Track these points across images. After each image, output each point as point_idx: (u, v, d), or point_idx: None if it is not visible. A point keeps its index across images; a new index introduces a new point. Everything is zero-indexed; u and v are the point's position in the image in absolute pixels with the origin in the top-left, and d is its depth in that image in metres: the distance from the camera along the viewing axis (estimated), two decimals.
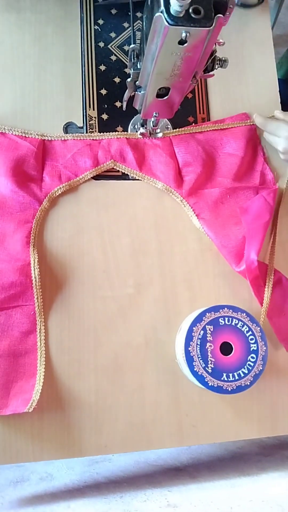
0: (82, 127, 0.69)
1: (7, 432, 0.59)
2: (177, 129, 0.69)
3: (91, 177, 0.67)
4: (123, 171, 0.67)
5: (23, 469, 0.75)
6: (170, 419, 0.63)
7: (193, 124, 0.71)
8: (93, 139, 0.67)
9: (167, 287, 0.66)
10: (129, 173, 0.67)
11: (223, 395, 0.59)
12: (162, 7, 0.43)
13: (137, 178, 0.67)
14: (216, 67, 0.57)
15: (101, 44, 0.72)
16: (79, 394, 0.61)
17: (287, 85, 0.98)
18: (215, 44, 0.51)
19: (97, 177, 0.67)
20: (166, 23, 0.43)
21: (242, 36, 0.77)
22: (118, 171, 0.68)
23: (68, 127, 0.68)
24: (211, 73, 0.57)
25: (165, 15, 0.43)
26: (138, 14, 0.72)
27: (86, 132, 0.68)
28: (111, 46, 0.72)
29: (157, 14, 0.44)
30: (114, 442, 0.61)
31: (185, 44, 0.46)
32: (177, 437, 0.62)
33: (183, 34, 0.44)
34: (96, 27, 0.73)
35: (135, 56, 0.54)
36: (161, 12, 0.44)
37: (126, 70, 0.71)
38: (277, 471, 0.66)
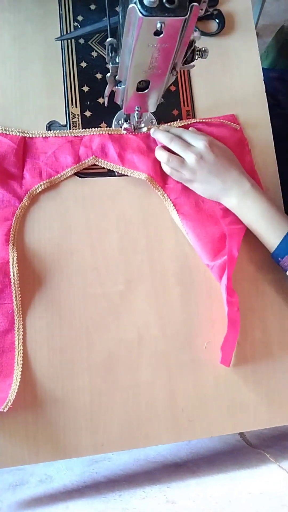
0: (65, 125, 0.68)
1: (1, 436, 0.58)
2: (162, 125, 0.69)
3: (77, 175, 0.67)
4: (105, 167, 0.67)
5: (22, 472, 0.75)
6: (166, 414, 0.62)
7: (178, 120, 0.70)
8: (74, 136, 0.67)
9: (158, 282, 0.65)
10: (111, 168, 0.67)
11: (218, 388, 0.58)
12: None
13: (120, 172, 0.67)
14: (196, 58, 0.56)
15: (81, 41, 0.71)
16: (73, 394, 0.61)
17: (273, 74, 0.97)
18: (193, 34, 0.51)
19: (83, 175, 0.67)
20: (140, 14, 0.43)
21: (225, 26, 0.76)
22: (104, 168, 0.67)
23: (51, 126, 0.68)
24: (191, 64, 0.56)
25: (139, 6, 0.43)
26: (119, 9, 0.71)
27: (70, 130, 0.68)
28: (91, 42, 0.71)
29: (130, 6, 0.43)
30: (111, 441, 0.60)
31: (161, 35, 0.45)
32: (174, 433, 0.62)
33: (158, 25, 0.44)
34: (76, 23, 0.72)
35: (112, 50, 0.53)
36: (135, 3, 0.43)
37: (108, 66, 0.70)
38: (277, 463, 0.65)
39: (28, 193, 0.64)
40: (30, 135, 0.66)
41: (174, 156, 0.64)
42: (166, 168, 0.66)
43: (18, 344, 0.60)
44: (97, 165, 0.67)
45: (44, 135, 0.66)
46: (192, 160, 0.63)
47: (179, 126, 0.69)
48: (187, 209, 0.66)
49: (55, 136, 0.66)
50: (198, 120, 0.70)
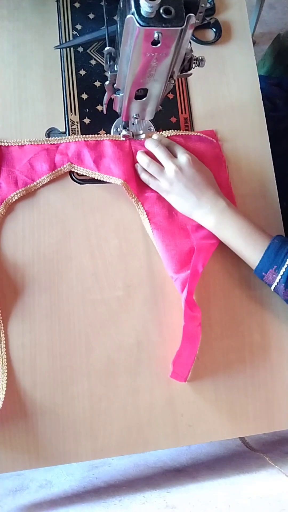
0: (64, 132, 0.69)
1: (2, 441, 0.59)
2: (155, 133, 0.69)
3: (76, 181, 0.67)
4: (81, 173, 0.67)
5: (22, 477, 0.75)
6: (165, 420, 0.62)
7: (163, 131, 0.71)
8: (51, 144, 0.67)
9: (157, 287, 0.66)
10: (87, 174, 0.66)
11: (217, 393, 0.58)
12: (133, 9, 0.44)
13: (96, 178, 0.66)
14: (193, 66, 0.57)
15: (80, 49, 0.72)
16: (72, 399, 0.61)
17: (270, 81, 0.98)
18: (190, 43, 0.52)
19: (82, 181, 0.67)
20: (138, 25, 0.44)
21: (221, 35, 0.77)
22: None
23: (50, 133, 0.68)
24: (188, 72, 0.57)
25: (136, 17, 0.44)
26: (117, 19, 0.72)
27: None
28: (90, 51, 0.72)
29: (128, 16, 0.44)
30: (110, 446, 0.61)
31: (158, 45, 0.46)
32: (173, 438, 0.62)
33: (155, 35, 0.45)
34: (75, 32, 0.73)
35: (111, 58, 0.54)
36: (132, 13, 0.44)
37: (106, 74, 0.71)
38: (276, 467, 0.65)
39: (4, 202, 0.64)
40: (6, 144, 0.66)
41: (154, 162, 0.65)
42: (144, 176, 0.66)
43: (1, 354, 0.60)
44: (73, 171, 0.67)
45: (20, 144, 0.66)
46: (171, 170, 0.63)
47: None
48: (159, 219, 0.66)
49: (31, 144, 0.66)
50: (178, 133, 0.70)
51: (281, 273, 0.58)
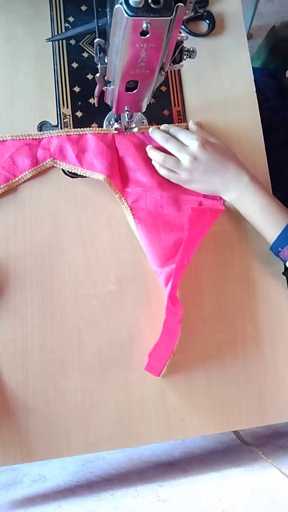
0: (56, 126, 0.68)
1: None
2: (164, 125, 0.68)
3: (68, 175, 0.67)
4: (63, 168, 0.66)
5: (16, 472, 0.75)
6: (157, 413, 0.62)
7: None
8: (33, 139, 0.66)
9: (149, 281, 0.66)
10: (70, 170, 0.66)
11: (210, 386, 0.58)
12: None
13: (78, 174, 0.66)
14: (185, 58, 0.57)
15: (72, 42, 0.72)
16: (64, 394, 0.61)
17: (265, 73, 0.98)
18: (180, 33, 0.51)
19: (74, 175, 0.67)
20: (126, 15, 0.43)
21: (215, 27, 0.76)
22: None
23: (42, 126, 0.68)
24: (179, 64, 0.57)
25: (124, 7, 0.43)
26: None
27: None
28: (82, 43, 0.72)
29: (116, 6, 0.44)
30: (102, 440, 0.61)
31: (147, 35, 0.45)
32: (166, 432, 0.62)
33: (144, 25, 0.44)
34: (67, 24, 0.72)
35: (101, 50, 0.53)
36: (120, 3, 0.43)
37: (98, 66, 0.71)
38: (269, 461, 0.65)
39: None
40: None
41: (170, 156, 0.65)
42: (163, 172, 0.66)
43: None
44: (56, 167, 0.66)
45: (1, 139, 0.66)
46: (186, 161, 0.63)
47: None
48: (143, 214, 0.66)
49: (13, 139, 0.66)
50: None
51: None
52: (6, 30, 0.71)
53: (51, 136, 0.67)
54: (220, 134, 0.72)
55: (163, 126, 0.68)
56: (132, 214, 0.65)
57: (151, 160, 0.67)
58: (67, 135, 0.67)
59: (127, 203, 0.66)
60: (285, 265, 0.64)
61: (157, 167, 0.67)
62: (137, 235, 0.65)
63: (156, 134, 0.66)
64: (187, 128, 0.69)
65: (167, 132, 0.67)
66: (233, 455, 0.72)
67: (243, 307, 0.67)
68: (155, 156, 0.66)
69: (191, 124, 0.69)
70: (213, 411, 0.63)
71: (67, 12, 0.73)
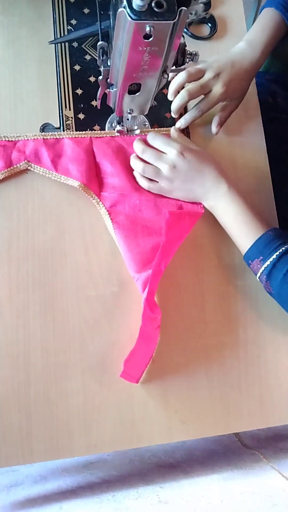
0: (59, 128, 0.69)
1: None
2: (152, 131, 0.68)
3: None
4: (38, 172, 0.65)
5: (17, 473, 0.75)
6: (159, 416, 0.62)
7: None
8: (8, 140, 0.66)
9: None
10: (44, 174, 0.65)
11: (211, 389, 0.58)
12: (125, 2, 0.43)
13: (52, 178, 0.65)
14: (187, 61, 0.57)
15: (75, 44, 0.72)
16: (66, 395, 0.61)
17: (267, 77, 0.98)
18: (183, 37, 0.51)
19: None
20: (129, 18, 0.43)
21: (217, 30, 0.77)
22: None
23: (45, 128, 0.68)
24: (182, 67, 0.57)
25: (128, 10, 0.43)
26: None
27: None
28: (84, 46, 0.72)
29: (120, 10, 0.44)
30: (104, 441, 0.61)
31: (151, 39, 0.46)
32: (167, 433, 0.62)
33: (147, 29, 0.44)
34: (69, 27, 0.72)
35: (104, 53, 0.54)
36: (124, 7, 0.44)
37: (100, 68, 0.71)
38: (270, 463, 0.66)
39: None
40: None
41: (149, 165, 0.64)
42: (144, 183, 0.65)
43: None
44: (31, 169, 0.66)
45: None
46: (165, 170, 0.63)
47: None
48: (122, 218, 0.65)
49: None
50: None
51: (265, 265, 0.59)
52: (9, 33, 0.71)
53: (28, 139, 0.66)
54: (222, 138, 0.72)
55: (151, 134, 0.66)
56: (111, 219, 0.65)
57: (129, 164, 0.66)
58: (43, 138, 0.66)
59: (105, 208, 0.65)
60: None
61: (138, 177, 0.66)
62: (115, 240, 0.65)
63: (135, 145, 0.66)
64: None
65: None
66: (234, 457, 0.72)
67: (245, 310, 0.67)
68: (135, 166, 0.65)
69: (172, 131, 0.68)
70: (214, 413, 0.64)
71: (70, 15, 0.73)
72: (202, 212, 0.65)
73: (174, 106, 0.65)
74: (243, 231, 0.62)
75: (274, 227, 0.62)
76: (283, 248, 0.58)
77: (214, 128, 0.70)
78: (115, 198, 0.66)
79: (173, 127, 0.68)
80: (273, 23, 0.70)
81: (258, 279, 0.61)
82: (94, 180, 0.66)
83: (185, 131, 0.71)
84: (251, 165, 0.72)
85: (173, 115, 0.67)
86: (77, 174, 0.64)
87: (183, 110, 0.68)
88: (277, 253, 0.58)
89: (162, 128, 0.70)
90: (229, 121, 0.72)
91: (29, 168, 0.65)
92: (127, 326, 0.64)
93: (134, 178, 0.66)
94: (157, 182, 0.65)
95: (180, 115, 0.68)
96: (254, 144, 0.73)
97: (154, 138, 0.65)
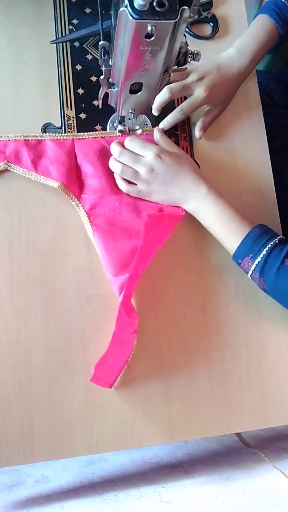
0: (60, 127, 0.69)
1: None
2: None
3: None
4: (18, 173, 0.65)
5: (19, 473, 0.75)
6: (160, 415, 0.62)
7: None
8: None
9: (153, 283, 0.66)
10: (24, 175, 0.65)
11: (213, 388, 0.58)
12: (126, 2, 0.44)
13: (32, 179, 0.65)
14: (189, 61, 0.57)
15: (76, 44, 0.72)
16: (68, 395, 0.61)
17: (269, 76, 0.98)
18: (185, 37, 0.51)
19: None
20: (131, 18, 0.44)
21: (219, 30, 0.76)
22: None
23: (46, 128, 0.68)
24: (184, 66, 0.57)
25: (129, 10, 0.43)
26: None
27: (65, 132, 0.68)
28: (86, 45, 0.72)
29: (121, 9, 0.44)
30: (105, 441, 0.61)
31: (152, 38, 0.46)
32: (168, 433, 0.62)
33: (149, 28, 0.44)
34: (71, 27, 0.72)
35: (105, 53, 0.54)
36: (125, 6, 0.44)
37: (102, 68, 0.71)
38: (272, 463, 0.65)
39: None
40: None
41: (128, 167, 0.64)
42: (123, 186, 0.65)
43: None
44: (10, 170, 0.65)
45: None
46: (143, 172, 0.62)
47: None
48: (101, 221, 0.64)
49: None
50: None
51: (256, 262, 0.58)
52: (10, 33, 0.71)
53: (9, 140, 0.65)
54: (223, 137, 0.72)
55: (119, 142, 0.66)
56: (90, 221, 0.64)
57: (107, 167, 0.66)
58: (25, 139, 0.65)
59: (84, 210, 0.65)
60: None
61: (117, 180, 0.65)
62: (94, 243, 0.64)
63: (111, 147, 0.65)
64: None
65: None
66: (236, 457, 0.72)
67: (246, 309, 0.67)
68: (114, 168, 0.65)
69: (155, 132, 0.67)
70: (216, 413, 0.63)
71: (71, 15, 0.73)
72: (183, 214, 0.65)
73: (155, 104, 0.64)
74: (228, 231, 0.61)
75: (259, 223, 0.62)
76: (272, 243, 0.57)
77: (197, 133, 0.70)
78: (95, 200, 0.65)
79: (156, 127, 0.67)
80: (265, 31, 0.69)
81: (250, 278, 0.61)
82: (75, 181, 0.65)
83: (189, 141, 0.71)
84: (254, 177, 0.72)
85: (153, 113, 0.65)
86: (57, 175, 0.64)
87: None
88: (267, 248, 0.57)
89: (146, 128, 0.69)
90: (230, 120, 0.72)
91: (8, 168, 0.65)
92: None
93: (114, 180, 0.66)
94: (136, 185, 0.64)
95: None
96: (255, 143, 0.73)
97: (131, 141, 0.64)
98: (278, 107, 0.94)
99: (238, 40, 0.70)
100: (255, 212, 0.70)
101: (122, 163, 0.64)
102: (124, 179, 0.65)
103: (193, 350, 0.64)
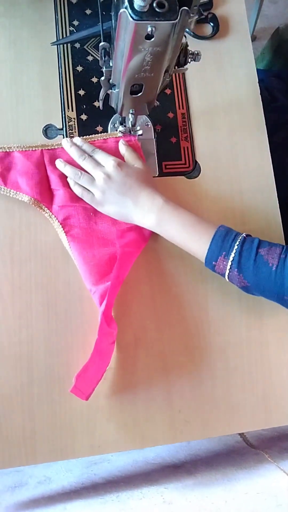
0: (61, 129, 0.69)
1: None
2: (76, 138, 0.66)
3: None
4: None
5: (21, 474, 0.75)
6: (162, 416, 0.62)
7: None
8: None
9: (155, 285, 0.66)
10: None
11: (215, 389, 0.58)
12: (126, 3, 0.43)
13: (1, 193, 0.64)
14: (189, 61, 0.57)
15: (77, 45, 0.72)
16: (70, 396, 0.61)
17: (269, 75, 0.98)
18: (185, 37, 0.51)
19: None
20: (131, 19, 0.43)
21: (219, 30, 0.76)
22: None
23: (47, 130, 0.68)
24: (184, 67, 0.57)
25: (129, 11, 0.43)
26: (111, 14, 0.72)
27: (66, 134, 0.68)
28: (87, 47, 0.72)
29: (121, 10, 0.44)
30: (107, 442, 0.61)
31: (152, 39, 0.46)
32: (171, 434, 0.62)
33: (149, 29, 0.44)
34: (72, 28, 0.73)
35: (106, 54, 0.54)
36: (125, 8, 0.43)
37: (103, 69, 0.71)
38: (275, 463, 0.65)
39: None
40: None
41: (84, 173, 0.63)
42: (77, 190, 0.64)
43: None
44: None
45: None
46: (100, 179, 0.62)
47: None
48: (76, 231, 0.64)
49: None
50: (93, 139, 0.67)
51: (231, 258, 0.56)
52: (11, 34, 0.71)
53: None
54: (224, 137, 0.72)
55: (77, 140, 0.65)
56: (65, 232, 0.64)
57: None
58: None
59: (58, 221, 0.64)
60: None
61: (71, 184, 0.64)
62: (71, 254, 0.64)
63: (73, 150, 0.64)
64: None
65: (82, 148, 0.65)
66: (238, 457, 0.72)
67: (248, 308, 0.67)
68: (69, 172, 0.64)
69: (121, 145, 0.66)
70: (218, 413, 0.63)
71: (72, 16, 0.73)
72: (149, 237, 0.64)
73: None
74: (196, 235, 0.59)
75: (272, 230, 0.61)
76: (241, 237, 0.57)
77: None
78: (68, 211, 0.64)
79: (121, 140, 0.66)
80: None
81: (228, 279, 0.58)
82: (47, 193, 0.64)
83: (190, 141, 0.71)
84: (255, 177, 0.72)
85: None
86: (26, 189, 0.63)
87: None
88: (238, 242, 0.56)
89: (111, 133, 0.68)
90: (231, 119, 0.72)
91: None
92: (130, 327, 0.64)
93: (87, 189, 0.64)
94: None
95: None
96: (256, 142, 0.73)
97: (95, 152, 0.64)
98: (277, 101, 0.94)
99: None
100: (256, 212, 0.70)
101: (75, 168, 0.63)
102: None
103: (195, 351, 0.64)
